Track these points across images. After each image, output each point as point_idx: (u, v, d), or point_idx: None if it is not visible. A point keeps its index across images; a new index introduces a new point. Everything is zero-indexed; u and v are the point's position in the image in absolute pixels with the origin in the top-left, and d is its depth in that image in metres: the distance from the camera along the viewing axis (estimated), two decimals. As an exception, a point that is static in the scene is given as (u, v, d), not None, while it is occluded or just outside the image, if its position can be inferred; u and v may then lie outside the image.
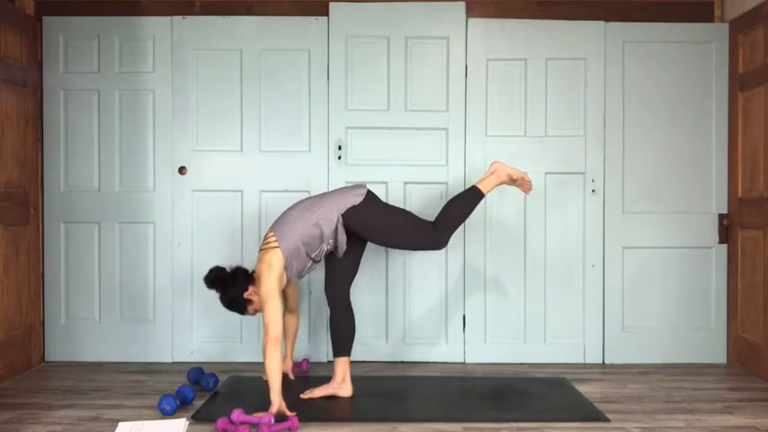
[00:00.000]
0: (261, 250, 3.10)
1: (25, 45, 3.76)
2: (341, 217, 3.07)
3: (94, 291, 3.96)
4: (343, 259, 3.21)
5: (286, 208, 3.32)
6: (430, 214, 3.91)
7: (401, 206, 3.91)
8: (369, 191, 3.15)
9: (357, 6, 3.92)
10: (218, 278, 3.09)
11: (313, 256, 3.11)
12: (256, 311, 3.16)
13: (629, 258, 3.96)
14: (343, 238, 3.10)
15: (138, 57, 3.93)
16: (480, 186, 3.19)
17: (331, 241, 3.11)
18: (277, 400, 2.83)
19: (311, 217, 3.06)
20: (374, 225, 3.10)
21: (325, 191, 3.30)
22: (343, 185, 3.20)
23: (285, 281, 3.07)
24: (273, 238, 3.05)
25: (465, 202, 3.18)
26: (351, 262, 3.26)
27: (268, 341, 2.86)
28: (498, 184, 3.22)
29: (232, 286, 3.09)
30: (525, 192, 3.31)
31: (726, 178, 3.97)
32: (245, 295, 3.09)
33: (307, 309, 3.93)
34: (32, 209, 3.83)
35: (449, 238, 3.15)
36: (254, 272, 3.12)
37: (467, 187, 3.12)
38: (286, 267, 3.04)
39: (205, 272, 3.16)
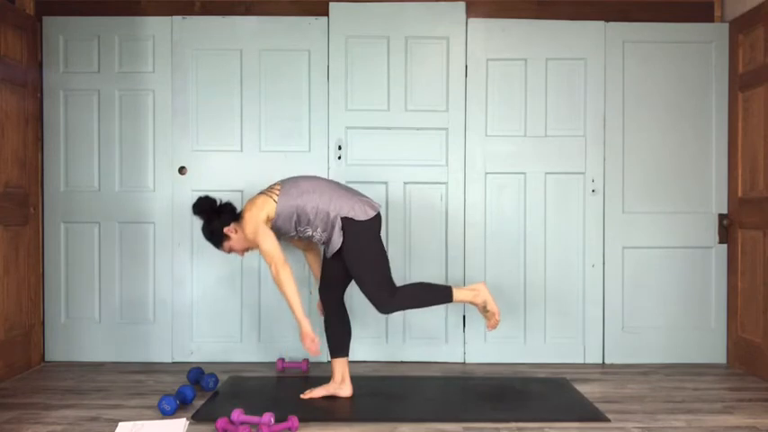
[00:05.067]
0: (261, 193, 3.13)
1: (25, 45, 3.76)
2: (340, 220, 3.07)
3: (94, 291, 3.96)
4: (340, 264, 3.20)
5: (304, 173, 3.24)
6: (430, 214, 3.93)
7: (401, 206, 3.92)
8: (378, 215, 3.13)
9: (357, 6, 3.92)
10: (205, 207, 3.14)
11: (299, 229, 3.12)
12: (231, 250, 3.19)
13: (629, 258, 3.97)
14: (338, 239, 3.08)
15: (138, 57, 3.93)
16: (455, 291, 3.11)
17: (322, 232, 3.10)
18: (305, 321, 2.94)
19: (316, 201, 3.05)
20: (355, 246, 3.06)
21: (344, 185, 3.27)
22: (362, 194, 3.19)
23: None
24: (277, 192, 3.08)
25: (432, 294, 3.12)
26: (347, 267, 3.26)
27: (276, 267, 2.94)
28: (470, 302, 3.13)
29: (216, 218, 3.13)
30: (487, 326, 3.19)
31: (726, 178, 3.97)
32: (225, 230, 3.13)
33: (307, 308, 3.93)
34: (32, 209, 3.83)
35: (393, 311, 3.11)
36: (241, 211, 3.15)
37: (444, 284, 3.09)
38: (271, 220, 3.07)
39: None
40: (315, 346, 2.97)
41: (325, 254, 3.23)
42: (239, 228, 3.13)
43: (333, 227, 3.07)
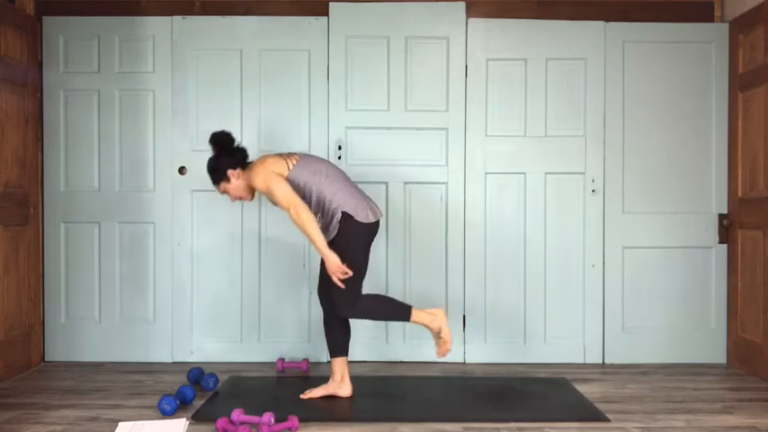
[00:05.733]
0: (277, 155, 3.14)
1: (25, 45, 3.76)
2: (341, 213, 3.06)
3: (94, 291, 3.96)
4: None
5: (319, 156, 3.25)
6: (430, 214, 3.93)
7: (401, 206, 3.92)
8: (377, 222, 3.13)
9: (357, 6, 3.92)
10: (222, 142, 3.12)
11: (298, 193, 3.10)
12: (225, 192, 3.16)
13: (629, 258, 3.97)
14: (333, 231, 3.08)
15: (138, 57, 3.93)
16: (414, 312, 3.08)
17: (320, 218, 3.10)
18: (330, 254, 2.96)
19: (324, 186, 3.04)
20: (342, 244, 3.05)
21: (355, 183, 3.27)
22: (369, 197, 3.20)
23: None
24: (294, 162, 3.08)
25: (392, 310, 3.11)
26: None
27: (295, 209, 2.94)
28: (424, 325, 3.10)
29: (226, 156, 3.12)
30: (437, 353, 3.14)
31: (726, 178, 3.97)
32: (229, 172, 3.12)
33: (307, 309, 3.93)
34: (32, 209, 3.83)
35: (350, 318, 3.11)
36: (251, 162, 3.16)
37: (406, 303, 3.09)
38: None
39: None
40: (341, 270, 2.97)
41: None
42: (243, 176, 3.13)
43: (332, 217, 3.06)
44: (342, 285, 3.01)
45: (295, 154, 3.16)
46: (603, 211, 3.96)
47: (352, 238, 3.05)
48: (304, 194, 3.07)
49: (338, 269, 2.98)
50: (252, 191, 3.19)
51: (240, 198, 3.20)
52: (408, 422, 2.87)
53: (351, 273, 3.01)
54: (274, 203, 3.09)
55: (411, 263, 3.96)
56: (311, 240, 2.99)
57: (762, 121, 3.62)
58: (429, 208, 3.95)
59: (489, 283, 3.95)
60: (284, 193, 2.99)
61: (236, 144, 3.17)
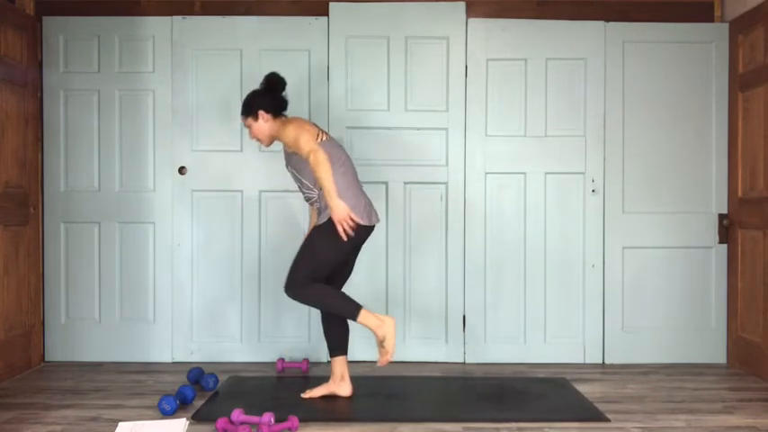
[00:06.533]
0: (314, 124, 3.19)
1: (25, 45, 3.76)
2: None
3: (94, 291, 3.96)
4: (338, 263, 3.20)
5: (338, 142, 3.30)
6: (430, 214, 3.93)
7: (401, 206, 3.93)
8: (370, 228, 3.14)
9: (357, 6, 3.92)
10: (275, 84, 3.21)
11: (308, 181, 3.15)
12: (249, 127, 3.21)
13: (629, 258, 3.96)
14: (324, 217, 3.09)
15: (138, 57, 3.93)
16: (363, 312, 3.04)
17: (321, 201, 3.12)
18: (339, 203, 2.99)
19: (335, 177, 3.06)
20: (325, 231, 3.06)
21: (360, 182, 3.28)
22: (372, 203, 3.23)
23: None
24: (325, 138, 3.12)
25: (340, 305, 3.07)
26: (346, 265, 3.26)
27: (314, 154, 2.98)
28: (371, 330, 3.05)
29: (268, 98, 3.18)
30: (379, 362, 3.08)
31: (726, 178, 3.96)
32: (260, 112, 3.16)
33: (307, 309, 3.93)
34: (32, 209, 3.83)
35: (295, 299, 3.07)
36: (288, 117, 3.24)
37: (357, 303, 3.09)
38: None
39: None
40: (349, 217, 2.99)
41: None
42: (272, 123, 3.17)
43: (327, 204, 3.06)
44: (345, 236, 3.01)
45: (327, 132, 3.20)
46: (603, 211, 3.96)
47: (335, 233, 3.05)
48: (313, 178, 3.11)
49: (346, 217, 2.99)
50: (272, 139, 3.22)
51: (257, 140, 3.24)
52: (408, 422, 2.87)
53: (358, 220, 3.03)
54: (291, 164, 3.16)
55: (411, 263, 3.95)
56: (324, 186, 3.00)
57: (762, 121, 3.62)
58: (429, 208, 3.95)
59: (489, 282, 3.95)
60: (308, 139, 3.04)
61: (283, 94, 3.22)
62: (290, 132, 3.10)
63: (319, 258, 3.06)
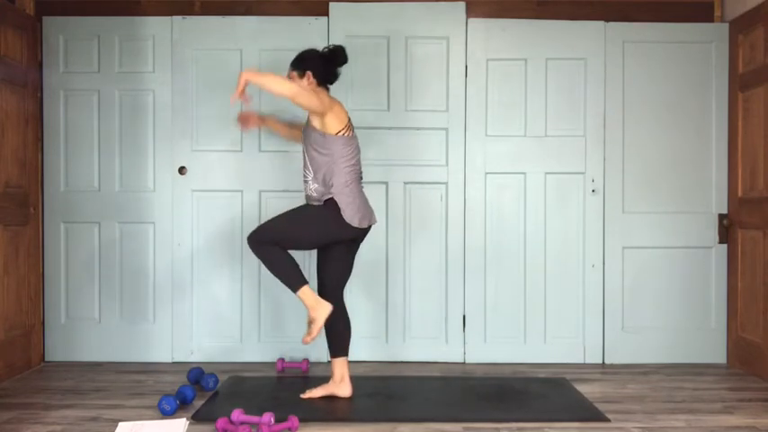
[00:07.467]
0: (348, 116, 3.17)
1: (25, 45, 3.76)
2: (334, 199, 3.07)
3: (94, 291, 3.96)
4: (338, 263, 3.21)
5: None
6: (430, 214, 3.94)
7: (401, 206, 3.93)
8: (359, 230, 3.13)
9: (357, 6, 3.92)
10: (336, 53, 3.18)
11: (313, 164, 3.12)
12: (289, 78, 3.15)
13: (629, 258, 3.96)
14: (315, 203, 3.12)
15: (138, 57, 3.93)
16: (304, 288, 3.04)
17: (316, 187, 3.11)
18: (258, 73, 2.97)
19: (342, 170, 3.07)
20: (313, 214, 3.10)
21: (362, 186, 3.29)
22: (371, 207, 3.24)
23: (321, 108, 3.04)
24: (347, 133, 3.11)
25: (287, 273, 3.05)
26: (344, 264, 3.25)
27: (291, 89, 2.92)
28: (306, 306, 3.06)
29: (322, 61, 3.17)
30: (303, 338, 3.05)
31: (726, 178, 3.96)
32: (309, 73, 3.13)
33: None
34: (32, 209, 3.83)
35: (251, 246, 3.06)
36: (329, 93, 3.20)
37: (304, 277, 3.09)
38: (323, 125, 3.08)
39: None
40: (247, 80, 2.91)
41: (323, 254, 3.24)
42: (312, 89, 3.09)
43: (323, 195, 3.08)
44: (240, 95, 2.94)
45: (353, 129, 3.19)
46: (603, 211, 3.96)
47: (322, 218, 3.07)
48: (321, 160, 3.09)
49: (248, 77, 2.91)
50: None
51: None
52: (408, 422, 2.87)
53: (259, 79, 2.95)
54: (303, 139, 3.19)
55: (411, 263, 3.95)
56: (274, 76, 2.96)
57: (762, 121, 3.62)
58: (429, 208, 3.95)
59: (489, 282, 3.95)
60: (291, 86, 2.94)
61: (337, 69, 3.20)
62: (315, 99, 3.00)
63: (293, 229, 3.08)
